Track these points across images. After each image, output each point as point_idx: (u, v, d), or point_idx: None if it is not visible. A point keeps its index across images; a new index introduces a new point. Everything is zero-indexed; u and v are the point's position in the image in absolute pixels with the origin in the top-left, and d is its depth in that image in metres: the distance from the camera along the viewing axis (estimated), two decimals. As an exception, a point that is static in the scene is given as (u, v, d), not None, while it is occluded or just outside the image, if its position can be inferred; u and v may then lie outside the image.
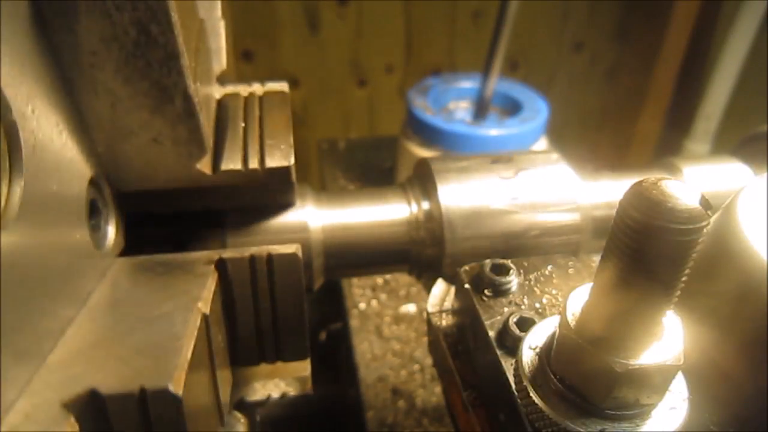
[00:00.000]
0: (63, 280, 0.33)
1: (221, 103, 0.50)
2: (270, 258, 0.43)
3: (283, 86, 0.53)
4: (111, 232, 0.42)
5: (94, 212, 0.40)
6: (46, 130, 0.32)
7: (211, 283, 0.39)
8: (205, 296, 0.37)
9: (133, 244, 0.45)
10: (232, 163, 0.44)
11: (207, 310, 0.36)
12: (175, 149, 0.40)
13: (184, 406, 0.30)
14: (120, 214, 0.43)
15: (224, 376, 0.43)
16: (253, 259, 0.43)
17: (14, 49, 0.29)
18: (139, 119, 0.38)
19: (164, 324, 0.34)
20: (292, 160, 0.45)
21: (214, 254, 0.42)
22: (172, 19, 0.34)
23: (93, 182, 0.39)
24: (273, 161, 0.45)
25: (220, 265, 0.42)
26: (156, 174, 0.42)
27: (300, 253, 0.44)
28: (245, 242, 0.47)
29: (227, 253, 0.43)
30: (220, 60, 0.53)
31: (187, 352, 0.32)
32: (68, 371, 0.30)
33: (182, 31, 0.36)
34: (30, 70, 0.31)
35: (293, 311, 0.45)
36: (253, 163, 0.44)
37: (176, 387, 0.30)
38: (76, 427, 0.28)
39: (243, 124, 0.48)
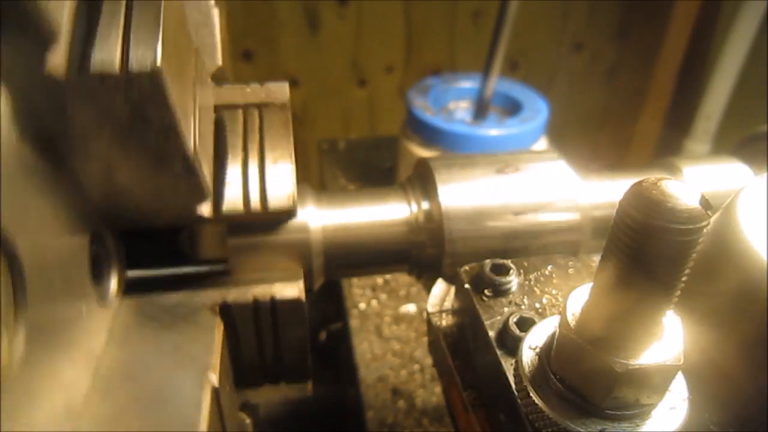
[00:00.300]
0: (69, 339, 0.33)
1: (219, 120, 0.48)
2: (274, 303, 0.44)
3: (283, 87, 0.52)
4: (114, 283, 0.42)
5: (96, 264, 0.39)
6: (45, 229, 0.31)
7: (218, 343, 0.39)
8: (213, 362, 0.37)
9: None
10: (232, 205, 0.43)
11: (217, 383, 0.36)
12: (175, 200, 0.40)
13: None
14: (121, 260, 0.43)
15: (231, 403, 0.43)
16: (257, 304, 0.43)
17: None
18: (137, 179, 0.37)
19: (176, 403, 0.34)
20: (295, 198, 0.45)
21: (218, 298, 0.42)
22: (168, 99, 0.32)
23: (93, 237, 0.39)
24: (275, 202, 0.44)
25: (224, 310, 0.42)
26: (156, 219, 0.42)
27: (303, 296, 0.44)
28: (245, 243, 0.47)
29: (231, 296, 0.43)
30: (216, 56, 0.52)
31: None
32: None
33: (179, 81, 0.35)
34: (21, 176, 0.30)
35: (296, 347, 0.46)
36: (255, 205, 0.44)
37: None
38: None
39: (242, 154, 0.46)
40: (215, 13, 0.52)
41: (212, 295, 0.43)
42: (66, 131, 0.33)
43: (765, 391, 0.35)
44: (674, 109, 2.06)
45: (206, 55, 0.51)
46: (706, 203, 0.26)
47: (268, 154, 0.46)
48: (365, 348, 0.91)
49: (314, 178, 1.55)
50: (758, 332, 0.35)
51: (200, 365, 0.37)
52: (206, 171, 0.41)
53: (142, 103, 0.32)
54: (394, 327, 0.95)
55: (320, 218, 0.50)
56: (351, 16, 1.76)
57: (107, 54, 0.30)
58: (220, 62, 0.52)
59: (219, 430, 0.37)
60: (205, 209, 0.42)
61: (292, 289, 0.44)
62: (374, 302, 1.00)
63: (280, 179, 0.45)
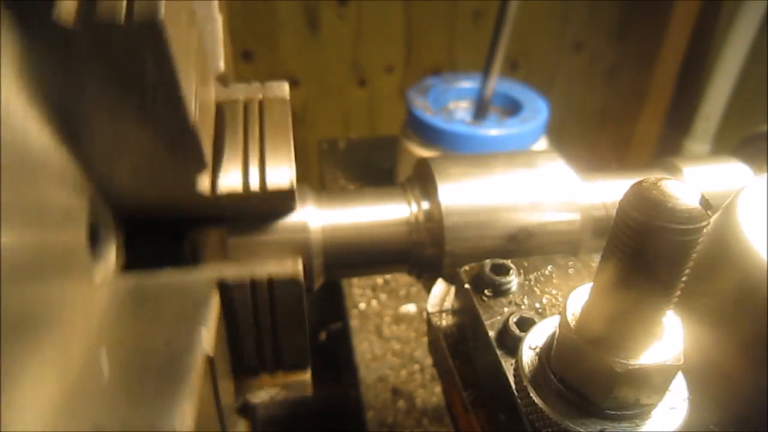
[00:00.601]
0: (62, 309, 0.33)
1: (220, 111, 0.49)
2: (271, 281, 0.43)
3: (283, 86, 0.53)
4: (111, 256, 0.41)
5: (94, 238, 0.39)
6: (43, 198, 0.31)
7: (214, 315, 0.39)
8: (209, 334, 0.37)
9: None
10: (231, 184, 0.43)
11: (211, 352, 0.36)
12: (174, 168, 0.40)
13: None
14: (120, 236, 0.43)
15: (227, 390, 0.43)
16: (254, 282, 0.43)
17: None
18: (136, 144, 0.37)
19: (170, 367, 0.34)
20: (294, 180, 0.45)
21: (214, 273, 0.42)
22: (170, 53, 0.33)
23: (92, 206, 0.38)
24: (274, 182, 0.44)
25: (221, 288, 0.42)
26: (155, 193, 0.42)
27: (301, 273, 0.44)
28: (245, 243, 0.47)
29: (228, 272, 0.42)
30: (219, 61, 0.53)
31: (193, 398, 0.32)
32: (72, 412, 0.30)
33: (181, 45, 0.35)
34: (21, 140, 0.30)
35: (295, 329, 0.45)
36: (254, 185, 0.44)
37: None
38: None
39: (243, 138, 0.47)
40: (220, 25, 0.52)
41: (210, 274, 0.42)
42: (68, 89, 0.33)
43: (765, 391, 0.35)
44: (674, 109, 2.06)
45: (209, 59, 0.51)
46: (706, 203, 0.26)
47: (268, 142, 0.46)
48: (365, 348, 0.91)
49: (314, 178, 1.55)
50: (758, 332, 0.35)
51: (195, 336, 0.36)
52: (206, 145, 0.41)
53: (143, 55, 0.32)
54: (394, 327, 0.95)
55: (320, 218, 0.50)
56: (351, 16, 1.76)
57: (112, 5, 0.31)
58: (222, 67, 0.52)
59: (211, 397, 0.37)
60: (204, 186, 0.42)
61: (289, 267, 0.44)
62: (374, 302, 1.00)
63: (280, 164, 0.45)
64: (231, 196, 0.43)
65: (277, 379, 0.49)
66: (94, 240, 0.40)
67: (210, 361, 0.36)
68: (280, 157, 0.46)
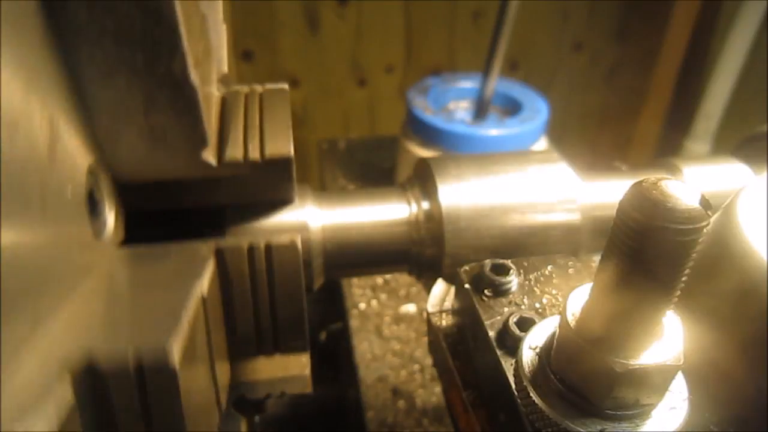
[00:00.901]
0: (60, 270, 0.33)
1: (223, 100, 0.50)
2: (269, 248, 0.43)
3: (282, 86, 0.53)
4: (110, 222, 0.42)
5: (93, 202, 0.39)
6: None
7: (209, 268, 0.39)
8: (203, 279, 0.37)
9: (131, 242, 0.45)
10: (233, 153, 0.44)
11: (205, 291, 0.37)
12: (177, 138, 0.40)
13: (180, 378, 0.30)
14: (120, 204, 0.43)
15: (223, 369, 0.43)
16: (251, 249, 0.43)
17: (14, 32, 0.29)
18: (142, 104, 0.38)
19: (162, 302, 0.35)
20: (292, 150, 0.45)
21: (212, 243, 0.43)
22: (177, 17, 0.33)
23: (92, 171, 0.39)
24: (272, 151, 0.45)
25: (218, 255, 0.42)
26: (157, 163, 0.42)
27: (299, 243, 0.44)
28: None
29: (225, 242, 0.43)
30: (221, 63, 0.53)
31: (185, 325, 0.32)
32: (61, 341, 0.30)
33: (186, 26, 0.36)
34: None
35: (292, 302, 0.45)
36: (254, 154, 0.44)
37: (172, 353, 0.30)
38: (71, 393, 0.28)
39: (243, 119, 0.48)
40: (224, 28, 0.53)
41: (207, 244, 0.43)
42: (79, 38, 0.34)
43: (765, 391, 0.35)
44: (674, 109, 2.06)
45: (215, 62, 0.52)
46: (706, 203, 0.26)
47: (266, 120, 0.48)
48: (365, 348, 0.91)
49: (314, 178, 1.56)
50: (758, 332, 0.35)
51: (189, 280, 0.37)
52: (211, 122, 0.42)
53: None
54: (394, 327, 0.95)
55: (320, 218, 0.50)
56: (351, 16, 1.76)
57: None
58: (225, 69, 0.52)
59: (203, 340, 0.37)
60: (207, 155, 0.42)
61: (287, 236, 0.45)
62: (374, 302, 1.00)
63: (278, 139, 0.46)
64: (232, 165, 0.44)
65: (275, 362, 0.49)
66: (93, 208, 0.40)
67: (203, 301, 0.36)
68: (278, 132, 0.47)
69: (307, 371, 0.49)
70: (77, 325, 0.32)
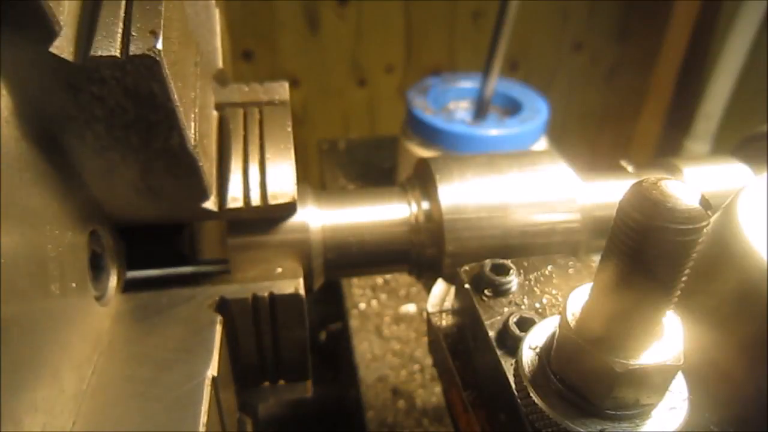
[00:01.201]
0: (66, 336, 0.33)
1: (220, 119, 0.49)
2: (273, 298, 0.44)
3: (283, 86, 0.52)
4: (113, 281, 0.42)
5: (95, 263, 0.39)
6: (42, 224, 0.32)
7: (217, 340, 0.39)
8: (213, 361, 0.37)
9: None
10: (234, 200, 0.44)
11: (216, 372, 0.37)
12: (176, 195, 0.40)
13: None
14: (121, 258, 0.43)
15: (230, 402, 0.43)
16: (255, 300, 0.43)
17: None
18: (137, 174, 0.37)
19: (176, 398, 0.34)
20: (295, 193, 0.45)
21: (217, 294, 0.43)
22: (167, 84, 0.32)
23: (93, 234, 0.39)
24: (276, 197, 0.44)
25: (223, 306, 0.42)
26: (156, 213, 0.42)
27: (302, 290, 0.44)
28: (246, 242, 0.47)
29: (229, 292, 0.43)
30: (217, 59, 0.53)
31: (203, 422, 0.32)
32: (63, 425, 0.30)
33: (179, 70, 0.35)
34: (19, 171, 0.30)
35: (296, 345, 0.46)
36: (256, 199, 0.44)
37: None
38: None
39: (243, 151, 0.46)
40: (216, 14, 0.52)
41: (211, 292, 0.43)
42: (68, 123, 0.33)
43: (765, 391, 0.35)
44: (674, 109, 2.06)
45: (207, 57, 0.51)
46: (706, 203, 0.26)
47: (268, 151, 0.46)
48: (365, 348, 0.91)
49: (314, 178, 1.56)
50: (758, 332, 0.35)
51: (200, 361, 0.37)
52: (209, 168, 0.41)
53: (141, 88, 0.32)
54: (394, 327, 0.95)
55: (320, 218, 0.50)
56: (351, 16, 1.76)
57: (109, 40, 0.31)
58: (220, 64, 0.52)
59: (218, 426, 0.37)
60: (211, 204, 0.42)
61: (291, 285, 0.44)
62: (374, 302, 1.00)
63: (281, 175, 0.45)
64: (234, 212, 0.44)
65: (279, 388, 0.49)
66: (96, 265, 0.40)
67: (214, 381, 0.36)
68: (281, 169, 0.46)
69: (309, 391, 0.49)
70: (96, 413, 0.32)
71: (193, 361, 0.37)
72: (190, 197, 0.41)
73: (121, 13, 0.32)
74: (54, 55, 0.30)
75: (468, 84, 1.21)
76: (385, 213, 0.52)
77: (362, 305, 0.99)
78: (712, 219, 0.35)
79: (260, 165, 0.45)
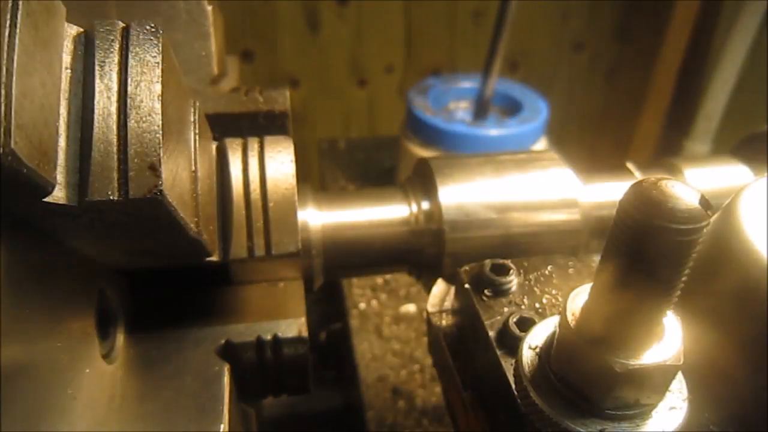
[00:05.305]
0: (73, 395, 0.33)
1: (219, 150, 0.46)
2: (277, 341, 0.45)
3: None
4: (120, 342, 0.42)
5: (102, 319, 0.39)
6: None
7: (227, 393, 0.40)
8: (224, 417, 0.38)
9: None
10: (237, 251, 0.44)
11: (227, 429, 0.38)
12: (177, 254, 0.40)
13: None
14: (128, 314, 0.44)
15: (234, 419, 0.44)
16: (260, 343, 0.45)
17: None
18: (137, 248, 0.37)
19: None
20: (299, 243, 0.45)
21: (222, 336, 0.44)
22: (173, 214, 0.31)
23: (101, 293, 0.39)
24: (280, 247, 0.44)
25: (228, 348, 0.44)
26: (158, 266, 0.43)
27: (306, 332, 0.45)
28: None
29: (235, 335, 0.44)
30: (211, 65, 0.52)
31: None
32: None
33: (178, 135, 0.33)
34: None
35: (298, 373, 0.47)
36: (260, 251, 0.44)
37: None
38: None
39: (245, 195, 0.45)
40: (210, 16, 0.51)
41: (216, 334, 0.44)
42: (61, 233, 0.32)
43: (765, 391, 0.35)
44: (674, 109, 2.06)
45: (202, 67, 0.51)
46: (706, 203, 0.26)
47: (271, 199, 0.45)
48: (365, 348, 0.91)
49: (314, 178, 1.55)
50: (758, 332, 0.35)
51: (210, 420, 0.38)
52: (210, 234, 0.40)
53: (145, 215, 0.31)
54: (394, 327, 0.95)
55: (320, 218, 0.50)
56: (351, 16, 1.76)
57: (104, 181, 0.29)
58: (215, 70, 0.52)
59: None
60: (214, 257, 0.42)
61: (295, 326, 0.46)
62: (374, 302, 1.00)
63: (284, 223, 0.45)
64: (237, 260, 0.44)
65: (281, 400, 0.51)
66: (104, 321, 0.40)
67: None
68: (284, 214, 0.45)
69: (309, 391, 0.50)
70: None
71: (205, 420, 0.38)
72: (191, 257, 0.41)
73: (113, 138, 0.29)
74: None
75: (468, 84, 1.21)
76: (385, 213, 0.52)
77: (362, 305, 0.99)
78: (712, 219, 0.35)
79: (263, 212, 0.45)
